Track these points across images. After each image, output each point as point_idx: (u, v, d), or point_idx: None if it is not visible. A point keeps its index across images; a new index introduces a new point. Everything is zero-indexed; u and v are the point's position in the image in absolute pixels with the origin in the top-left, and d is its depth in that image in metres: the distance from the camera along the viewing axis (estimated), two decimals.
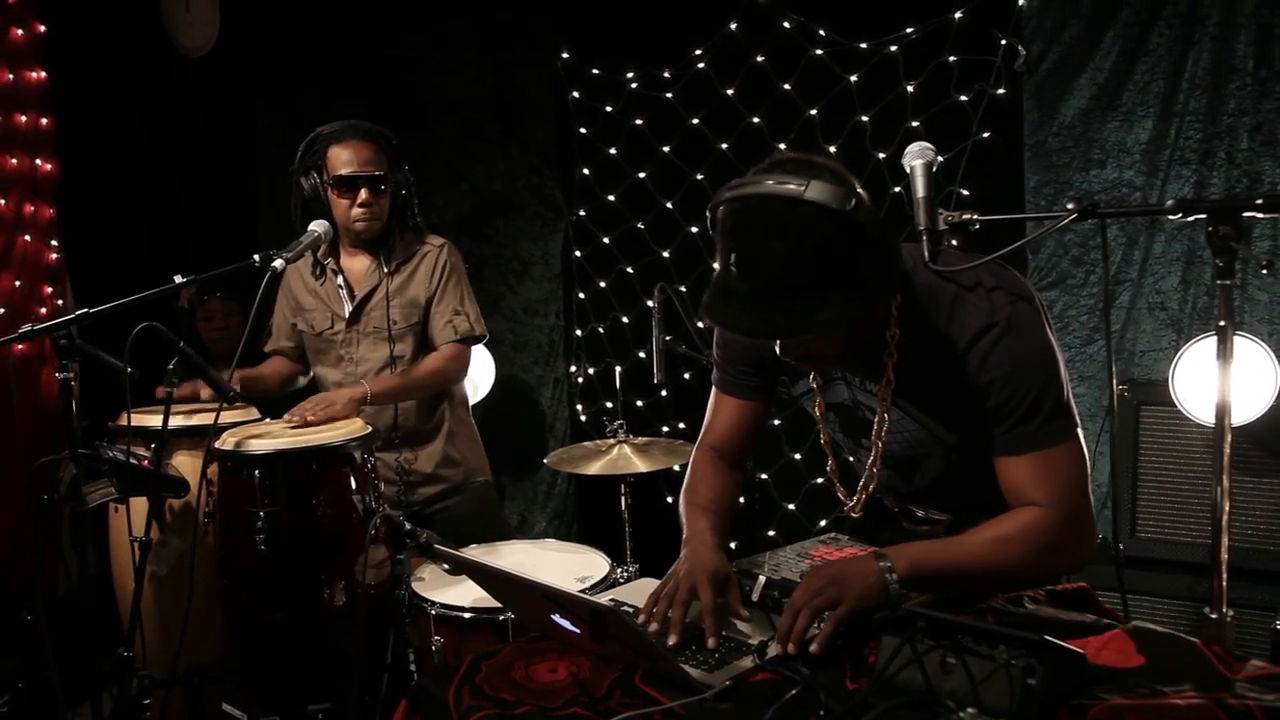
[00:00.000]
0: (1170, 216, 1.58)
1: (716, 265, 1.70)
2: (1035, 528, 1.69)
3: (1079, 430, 1.75)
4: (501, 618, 2.43)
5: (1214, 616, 1.58)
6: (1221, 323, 1.55)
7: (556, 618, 1.58)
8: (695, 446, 2.15)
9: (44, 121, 3.93)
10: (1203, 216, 1.55)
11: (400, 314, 3.06)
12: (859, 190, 1.64)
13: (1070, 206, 1.69)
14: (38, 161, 3.92)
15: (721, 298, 1.66)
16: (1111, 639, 1.56)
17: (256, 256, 2.70)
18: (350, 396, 2.89)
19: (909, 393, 1.82)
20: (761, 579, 1.79)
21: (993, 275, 1.77)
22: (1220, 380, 1.57)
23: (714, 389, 2.13)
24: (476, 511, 3.21)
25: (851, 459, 2.11)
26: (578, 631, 1.57)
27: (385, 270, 3.06)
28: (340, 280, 3.10)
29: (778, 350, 1.74)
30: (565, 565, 2.73)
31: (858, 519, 2.09)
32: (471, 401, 4.20)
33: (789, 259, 1.58)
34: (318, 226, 2.85)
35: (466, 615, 2.46)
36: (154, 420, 2.63)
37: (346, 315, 3.09)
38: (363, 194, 2.97)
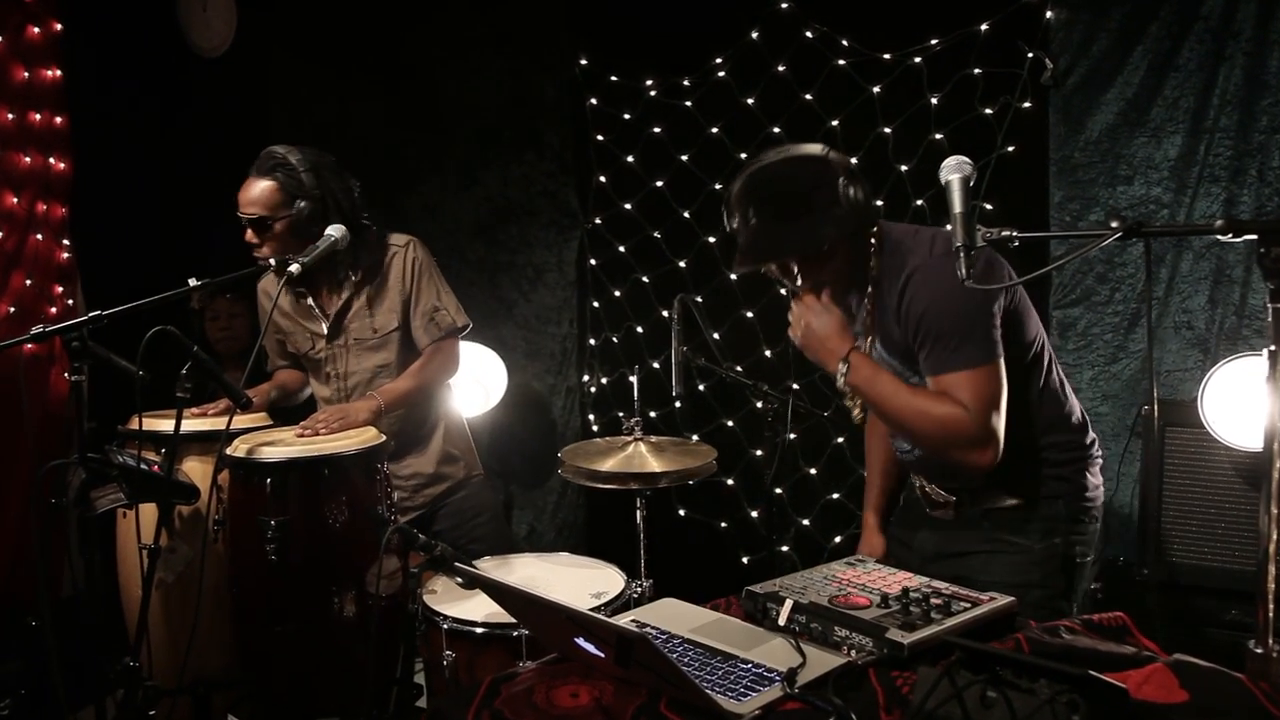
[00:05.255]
0: (1220, 237, 1.53)
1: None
2: (951, 418, 1.98)
3: (1000, 361, 1.99)
4: (515, 634, 2.37)
5: (1259, 651, 1.52)
6: (1273, 346, 1.50)
7: (580, 641, 1.53)
8: None
9: (58, 120, 3.90)
10: (1252, 237, 1.50)
11: (381, 322, 3.03)
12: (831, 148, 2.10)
13: (1114, 225, 1.64)
14: (51, 160, 3.89)
15: (743, 250, 2.10)
16: (1153, 673, 1.51)
17: (273, 261, 2.66)
18: (367, 408, 2.85)
19: (881, 335, 2.14)
20: (789, 603, 1.74)
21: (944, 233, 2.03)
22: (1271, 405, 1.51)
23: None
24: (479, 507, 3.21)
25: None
26: (601, 655, 1.52)
27: (354, 280, 3.01)
28: (310, 301, 3.06)
29: (804, 285, 2.13)
30: (579, 581, 2.68)
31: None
32: (483, 409, 4.17)
33: (785, 196, 2.04)
34: (335, 231, 2.81)
35: (479, 630, 2.41)
36: (165, 425, 2.59)
37: (325, 333, 3.06)
38: (248, 234, 2.93)
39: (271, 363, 3.30)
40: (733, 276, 3.88)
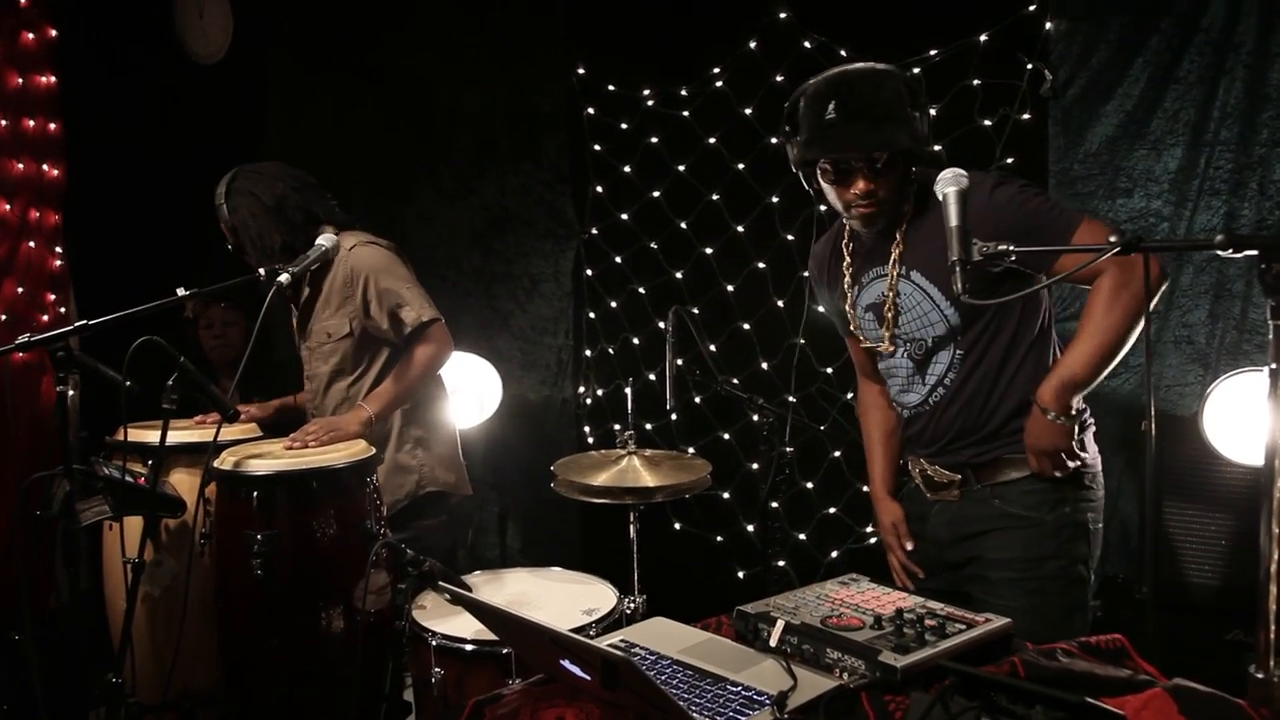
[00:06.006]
0: (1220, 252, 1.49)
1: (800, 135, 2.20)
2: (1117, 277, 2.06)
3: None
4: (505, 651, 2.34)
5: (1260, 676, 1.49)
6: (1274, 364, 1.47)
7: (566, 663, 1.50)
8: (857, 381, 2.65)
9: (52, 127, 3.87)
10: (1253, 253, 1.47)
11: (333, 326, 3.01)
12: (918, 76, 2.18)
13: (1112, 239, 1.61)
14: (44, 167, 3.86)
15: (821, 137, 2.14)
16: (1152, 699, 1.47)
17: (261, 270, 2.63)
18: (357, 420, 2.82)
19: (919, 263, 2.20)
20: (780, 624, 1.71)
21: None
22: (1272, 423, 1.48)
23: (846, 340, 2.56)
24: (431, 548, 2.65)
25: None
26: (588, 678, 1.49)
27: (306, 289, 3.03)
28: (292, 304, 3.12)
29: (859, 188, 2.14)
30: (571, 596, 2.64)
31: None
32: (477, 421, 4.13)
33: (875, 96, 2.11)
34: (325, 241, 2.78)
35: (468, 647, 2.38)
36: (152, 436, 2.56)
37: (298, 335, 3.10)
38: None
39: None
40: (729, 288, 3.85)
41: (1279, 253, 1.45)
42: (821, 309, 2.62)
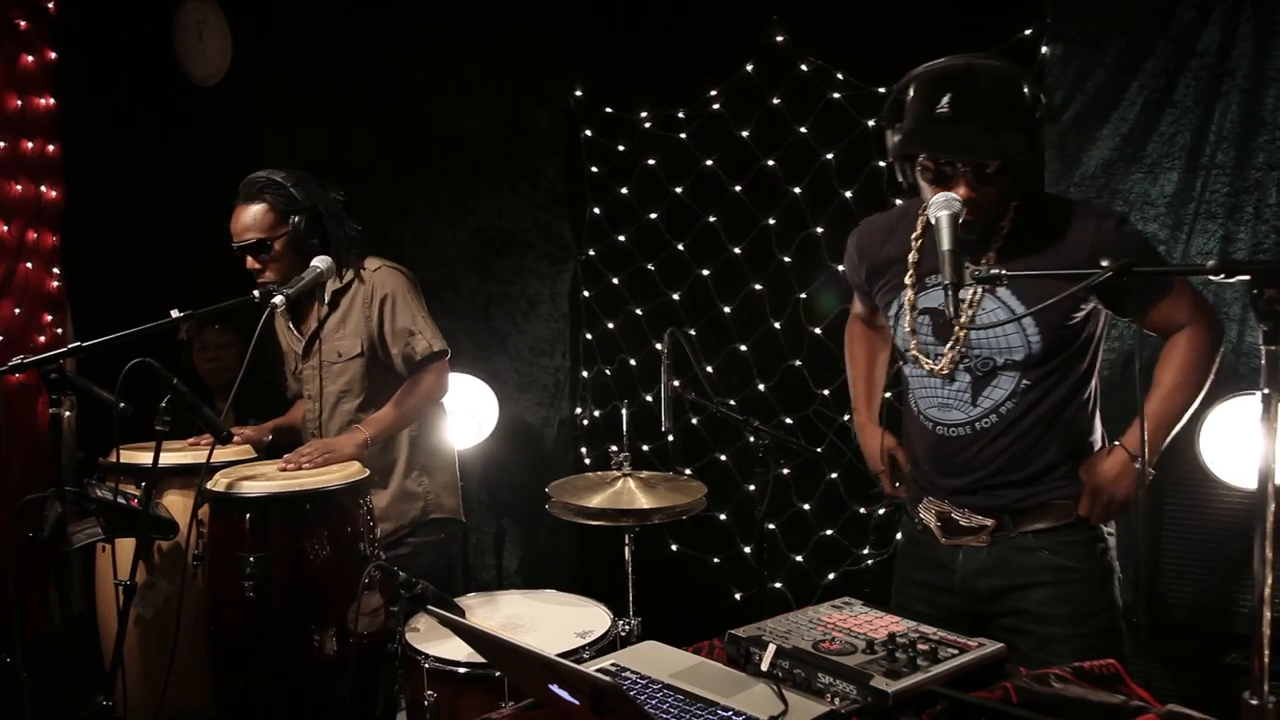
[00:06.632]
0: (1211, 277, 1.49)
1: (903, 123, 2.03)
2: (1199, 338, 2.08)
3: None
4: (497, 674, 2.33)
5: (1254, 703, 1.47)
6: (1266, 390, 1.46)
7: (554, 688, 1.48)
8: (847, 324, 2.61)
9: (50, 148, 3.90)
10: (1245, 278, 1.47)
11: (345, 346, 3.01)
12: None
13: (1105, 264, 1.61)
14: (43, 188, 3.89)
15: (928, 131, 1.96)
16: None
17: (256, 291, 2.63)
18: (352, 442, 2.82)
19: (1015, 287, 2.05)
20: (772, 648, 1.70)
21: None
22: (1265, 448, 1.48)
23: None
24: (422, 568, 2.76)
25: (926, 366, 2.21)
26: (576, 703, 1.48)
27: (324, 306, 3.01)
28: (290, 322, 3.10)
29: (961, 193, 1.93)
30: (564, 619, 2.63)
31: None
32: (474, 442, 4.13)
33: (997, 98, 1.93)
34: (320, 262, 2.79)
35: (461, 670, 2.37)
36: (145, 458, 2.55)
37: (300, 353, 3.08)
38: (249, 261, 2.95)
39: (289, 389, 3.30)
40: (726, 309, 3.85)
41: (1271, 278, 1.44)
42: (843, 270, 2.44)
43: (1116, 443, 2.12)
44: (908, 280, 2.20)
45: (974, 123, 1.91)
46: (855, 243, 2.41)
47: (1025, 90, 1.96)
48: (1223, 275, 1.48)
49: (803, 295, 3.66)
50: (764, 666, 1.70)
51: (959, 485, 2.17)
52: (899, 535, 2.41)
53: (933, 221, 1.82)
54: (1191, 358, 2.08)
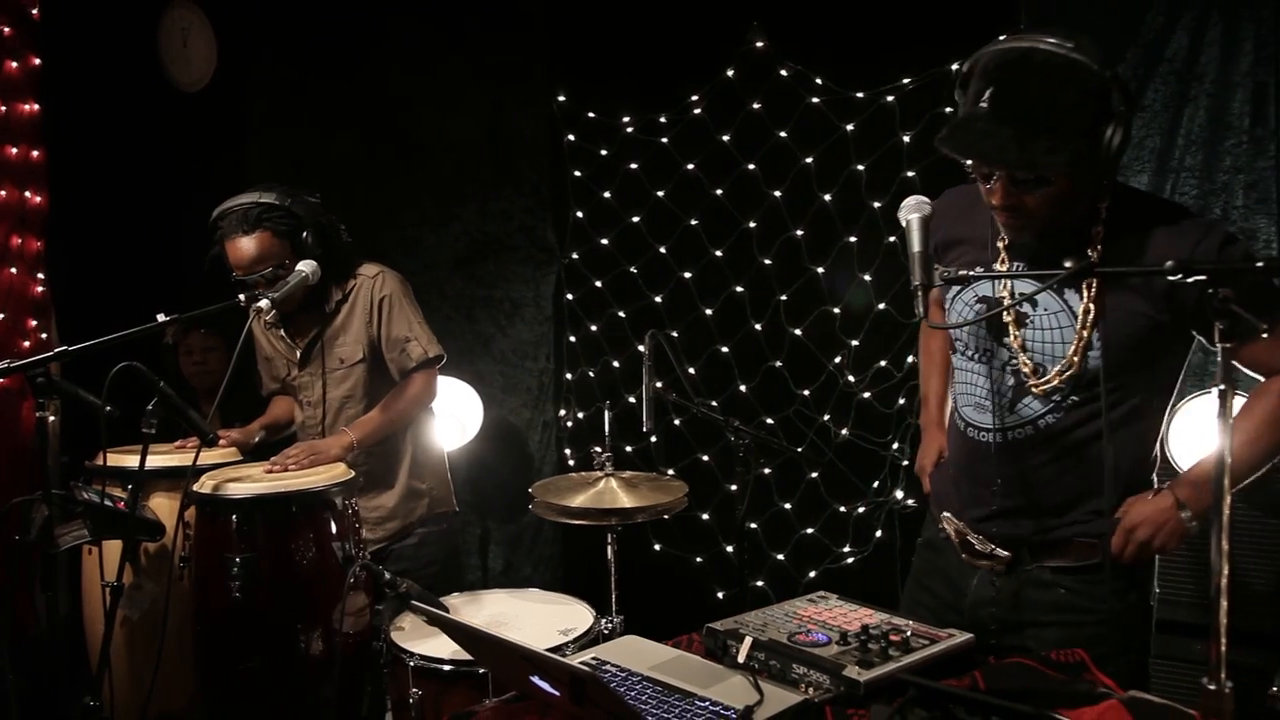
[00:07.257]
0: (1170, 278, 1.54)
1: (958, 111, 1.86)
2: None
3: None
4: (482, 671, 2.36)
5: (1212, 688, 1.52)
6: (1222, 386, 1.51)
7: (536, 679, 1.52)
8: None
9: (35, 154, 3.91)
10: (1202, 278, 1.52)
11: (346, 352, 3.04)
12: (1118, 73, 1.77)
13: (1068, 264, 1.66)
14: (27, 194, 3.89)
15: (962, 129, 1.78)
16: (1107, 710, 1.51)
17: (241, 296, 2.66)
18: (339, 444, 2.85)
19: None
20: (748, 640, 1.74)
21: None
22: (1220, 443, 1.53)
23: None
24: (432, 556, 3.18)
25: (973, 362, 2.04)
26: (557, 694, 1.52)
27: (327, 310, 3.03)
28: (281, 330, 3.09)
29: (996, 198, 1.82)
30: (548, 617, 2.67)
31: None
32: (459, 444, 4.16)
33: (1041, 99, 1.71)
34: (305, 267, 2.82)
35: (446, 668, 2.40)
36: (132, 460, 2.58)
37: (298, 360, 3.09)
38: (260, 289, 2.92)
39: (265, 387, 3.32)
40: (708, 311, 3.90)
41: (1224, 278, 1.50)
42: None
43: (1167, 485, 1.87)
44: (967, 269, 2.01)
45: (1010, 124, 1.72)
46: (938, 206, 1.97)
47: (1087, 88, 1.72)
48: (1180, 276, 1.53)
49: (783, 297, 3.71)
50: (740, 658, 1.74)
51: (978, 515, 2.01)
52: (920, 536, 2.26)
53: (903, 224, 1.83)
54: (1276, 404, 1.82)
